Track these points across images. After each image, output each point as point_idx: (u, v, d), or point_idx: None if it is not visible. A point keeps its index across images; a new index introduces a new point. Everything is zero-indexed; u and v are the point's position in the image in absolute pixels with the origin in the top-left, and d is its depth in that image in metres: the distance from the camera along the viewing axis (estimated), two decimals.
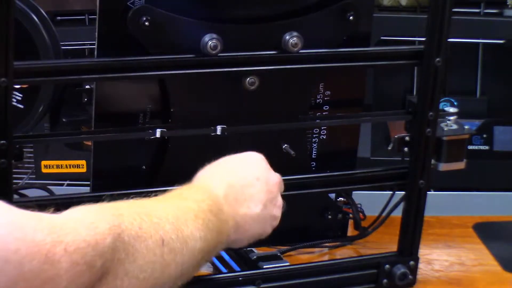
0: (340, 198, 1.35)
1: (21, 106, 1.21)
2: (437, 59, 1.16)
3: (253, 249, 1.27)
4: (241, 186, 1.01)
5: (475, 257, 1.39)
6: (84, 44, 1.76)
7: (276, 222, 1.05)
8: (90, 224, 0.80)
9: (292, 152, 1.20)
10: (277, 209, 1.05)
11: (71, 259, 0.76)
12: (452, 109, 1.25)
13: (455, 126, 1.23)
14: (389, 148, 1.21)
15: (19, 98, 1.21)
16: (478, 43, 1.94)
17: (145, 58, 1.08)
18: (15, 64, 0.97)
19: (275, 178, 1.06)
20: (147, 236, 0.85)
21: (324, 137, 1.26)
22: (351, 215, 1.37)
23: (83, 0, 1.99)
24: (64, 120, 1.58)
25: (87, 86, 1.25)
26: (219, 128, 1.14)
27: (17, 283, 0.73)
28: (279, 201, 1.06)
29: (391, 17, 1.85)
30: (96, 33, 1.07)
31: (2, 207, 0.75)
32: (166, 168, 1.16)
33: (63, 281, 0.76)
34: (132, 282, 0.84)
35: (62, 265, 0.75)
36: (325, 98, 1.24)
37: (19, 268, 0.73)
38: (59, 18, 1.88)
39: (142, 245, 0.84)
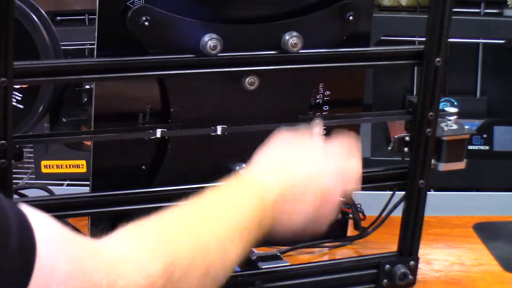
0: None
1: (21, 106, 1.21)
2: (437, 59, 1.15)
3: (253, 249, 1.27)
4: (294, 191, 0.99)
5: (475, 257, 1.39)
6: (84, 44, 1.76)
7: (331, 219, 1.03)
8: (145, 267, 0.81)
9: None
10: (330, 208, 1.02)
11: None
12: (452, 109, 1.25)
13: (455, 126, 1.23)
14: (389, 148, 1.21)
15: (19, 98, 1.21)
16: (478, 43, 1.94)
17: (145, 58, 1.07)
18: (15, 64, 0.97)
19: (334, 184, 1.03)
20: (196, 271, 0.87)
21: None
22: (350, 215, 1.37)
23: (83, 0, 2.00)
24: (64, 120, 1.58)
25: (87, 86, 1.25)
26: (219, 128, 1.14)
27: None
28: (336, 200, 1.03)
29: (391, 17, 1.84)
30: (96, 33, 1.07)
31: (66, 236, 0.78)
32: (165, 168, 1.16)
33: None
34: None
35: None
36: (325, 98, 1.24)
37: None
38: (59, 18, 1.88)
39: (189, 281, 0.86)
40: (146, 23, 1.06)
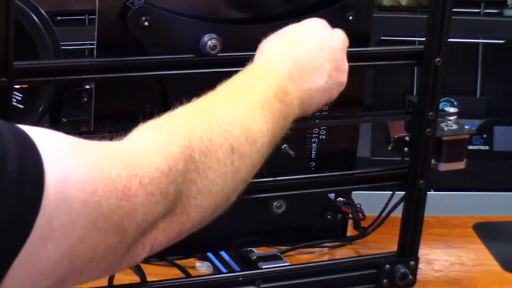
0: (339, 198, 1.35)
1: (21, 106, 1.21)
2: (437, 59, 1.16)
3: (253, 249, 1.27)
4: (305, 60, 0.99)
5: (475, 257, 1.39)
6: (84, 44, 1.76)
7: (342, 87, 1.04)
8: (162, 149, 0.78)
9: (292, 152, 1.20)
10: (343, 75, 1.04)
11: (146, 191, 0.75)
12: (452, 109, 1.25)
13: (455, 126, 1.23)
14: (389, 148, 1.21)
15: (19, 98, 1.21)
16: (478, 43, 1.94)
17: (145, 58, 1.07)
18: (15, 64, 0.97)
19: (339, 44, 1.04)
20: (217, 147, 0.84)
21: (324, 137, 1.26)
22: (350, 215, 1.37)
23: (83, 0, 1.99)
24: (64, 120, 1.58)
25: (87, 86, 1.25)
26: None
27: (95, 222, 0.72)
28: (345, 66, 1.04)
29: (391, 17, 1.84)
30: (96, 33, 1.07)
31: (75, 144, 0.74)
32: None
33: (139, 214, 0.75)
34: (206, 197, 0.83)
35: (138, 198, 0.75)
36: None
37: (98, 208, 0.72)
38: (59, 18, 1.88)
39: (213, 159, 0.83)
40: (146, 23, 1.06)
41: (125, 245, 0.76)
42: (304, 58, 1.00)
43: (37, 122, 1.23)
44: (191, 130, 0.83)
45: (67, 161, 0.71)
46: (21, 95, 1.21)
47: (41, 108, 1.22)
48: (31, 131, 0.71)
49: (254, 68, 0.98)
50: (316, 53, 1.01)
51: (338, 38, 1.05)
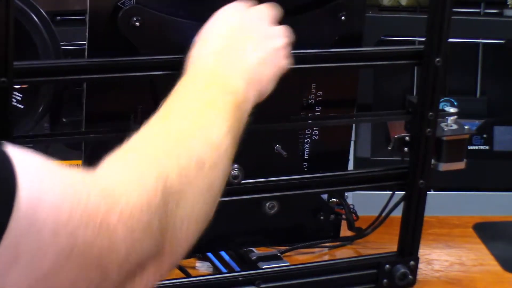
0: (332, 199, 1.34)
1: (21, 106, 1.21)
2: (437, 59, 1.15)
3: (253, 249, 1.27)
4: (224, 47, 0.97)
5: (475, 257, 1.39)
6: (84, 44, 1.76)
7: (284, 52, 1.00)
8: (139, 181, 0.75)
9: (284, 153, 1.19)
10: (274, 40, 1.00)
11: (126, 226, 0.71)
12: (452, 109, 1.25)
13: (455, 126, 1.23)
14: (389, 148, 1.21)
15: (19, 98, 1.21)
16: (478, 43, 1.94)
17: (140, 58, 1.07)
18: (15, 64, 0.97)
19: (249, 15, 1.01)
20: (188, 168, 0.80)
21: (316, 138, 1.25)
22: (343, 216, 1.36)
23: (83, 0, 1.99)
24: (64, 120, 1.58)
25: None
26: None
27: (69, 256, 0.67)
28: (271, 30, 1.01)
29: (391, 17, 1.84)
30: (87, 33, 1.07)
31: (55, 169, 0.69)
32: None
33: (122, 250, 0.71)
34: (192, 220, 0.80)
35: (118, 234, 0.70)
36: (317, 99, 1.23)
37: (71, 240, 0.67)
38: (59, 18, 1.88)
39: (188, 185, 0.80)
40: (137, 24, 1.06)
41: (110, 285, 0.72)
42: (223, 46, 0.97)
43: (37, 122, 1.23)
44: (159, 159, 0.79)
45: (43, 183, 0.66)
46: (21, 95, 1.21)
47: (41, 108, 1.22)
48: (10, 148, 0.67)
49: (194, 81, 0.94)
50: (232, 40, 0.97)
51: (251, 16, 1.01)
